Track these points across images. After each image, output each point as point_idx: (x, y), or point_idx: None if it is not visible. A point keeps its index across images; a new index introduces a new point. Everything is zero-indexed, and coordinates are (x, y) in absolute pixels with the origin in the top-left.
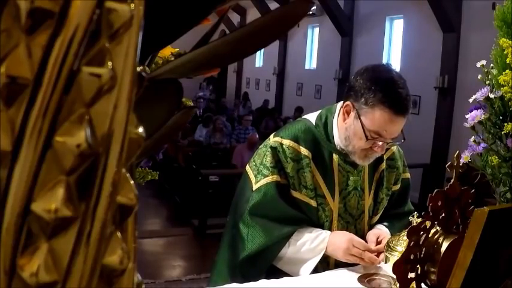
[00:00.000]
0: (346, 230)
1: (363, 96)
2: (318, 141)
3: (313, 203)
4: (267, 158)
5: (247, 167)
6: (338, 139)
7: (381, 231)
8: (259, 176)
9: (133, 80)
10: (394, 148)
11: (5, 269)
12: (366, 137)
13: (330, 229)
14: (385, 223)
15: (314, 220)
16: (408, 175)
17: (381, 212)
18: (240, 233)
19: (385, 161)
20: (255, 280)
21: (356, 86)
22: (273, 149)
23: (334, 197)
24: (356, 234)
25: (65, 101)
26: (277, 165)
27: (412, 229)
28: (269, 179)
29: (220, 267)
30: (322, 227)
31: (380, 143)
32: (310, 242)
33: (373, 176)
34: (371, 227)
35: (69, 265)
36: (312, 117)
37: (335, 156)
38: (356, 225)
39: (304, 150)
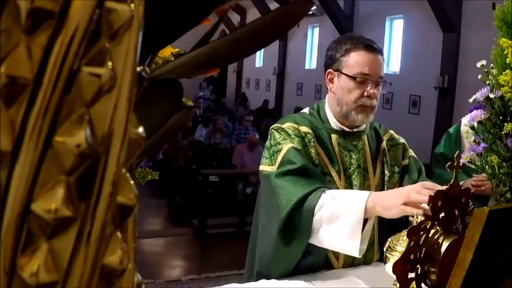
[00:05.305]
0: None
1: (336, 53)
2: (315, 124)
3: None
4: (274, 138)
5: (261, 167)
6: (333, 118)
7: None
8: (274, 157)
9: (133, 80)
10: (391, 131)
11: (5, 269)
12: (354, 79)
13: None
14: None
15: None
16: (413, 153)
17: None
18: (276, 203)
19: (385, 141)
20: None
21: (329, 54)
22: (276, 130)
23: (340, 175)
24: None
25: (65, 101)
26: (287, 138)
27: (412, 229)
28: (284, 148)
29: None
30: None
31: (369, 86)
32: (347, 195)
33: (377, 157)
34: None
35: (69, 265)
36: (305, 110)
37: (334, 136)
38: None
39: (305, 129)
